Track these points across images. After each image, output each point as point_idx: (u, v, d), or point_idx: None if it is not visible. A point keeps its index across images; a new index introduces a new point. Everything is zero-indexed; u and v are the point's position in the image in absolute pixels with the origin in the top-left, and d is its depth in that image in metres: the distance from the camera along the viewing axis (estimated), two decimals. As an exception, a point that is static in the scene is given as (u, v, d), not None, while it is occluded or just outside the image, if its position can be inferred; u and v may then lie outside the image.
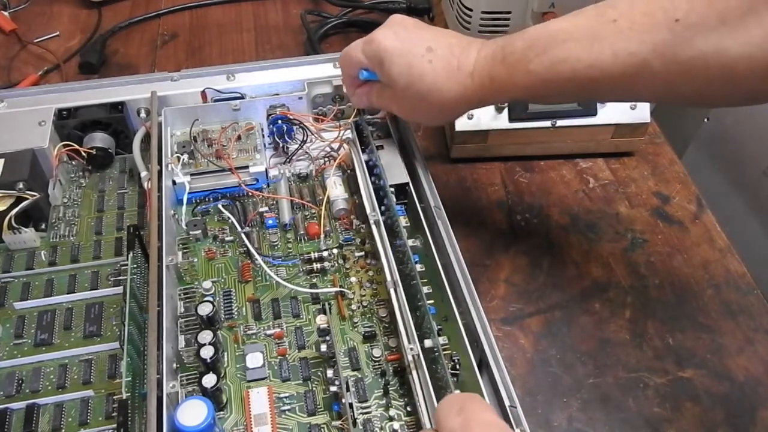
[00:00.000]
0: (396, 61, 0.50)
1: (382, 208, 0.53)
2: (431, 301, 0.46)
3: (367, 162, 0.57)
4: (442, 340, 0.45)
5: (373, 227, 0.53)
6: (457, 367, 0.46)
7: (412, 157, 0.59)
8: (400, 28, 0.52)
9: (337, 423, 0.46)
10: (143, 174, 0.60)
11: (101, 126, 0.63)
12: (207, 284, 0.53)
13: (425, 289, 0.46)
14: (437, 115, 0.53)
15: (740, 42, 0.39)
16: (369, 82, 0.55)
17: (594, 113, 0.67)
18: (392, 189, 0.54)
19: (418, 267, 0.48)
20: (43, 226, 0.59)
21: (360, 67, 0.54)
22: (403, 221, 0.52)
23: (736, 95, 0.43)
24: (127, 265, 0.50)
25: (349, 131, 0.61)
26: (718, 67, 0.40)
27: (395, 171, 0.57)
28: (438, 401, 0.43)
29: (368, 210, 0.54)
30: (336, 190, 0.59)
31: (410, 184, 0.56)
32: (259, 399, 0.46)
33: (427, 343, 0.44)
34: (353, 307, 0.53)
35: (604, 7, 0.45)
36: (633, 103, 0.66)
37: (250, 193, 0.61)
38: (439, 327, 0.47)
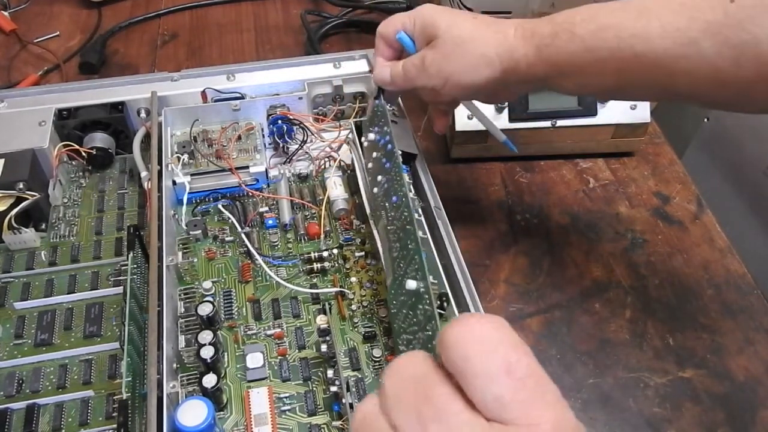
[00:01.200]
0: (441, 15, 0.51)
1: (385, 178, 0.52)
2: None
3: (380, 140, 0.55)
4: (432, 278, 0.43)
5: (373, 228, 0.53)
6: (444, 306, 0.45)
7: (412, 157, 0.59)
8: (439, 6, 0.52)
9: (338, 423, 0.46)
10: (143, 174, 0.59)
11: (101, 126, 0.63)
12: (207, 284, 0.53)
13: (420, 234, 0.44)
14: (473, 71, 0.49)
15: None
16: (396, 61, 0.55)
17: (594, 113, 0.67)
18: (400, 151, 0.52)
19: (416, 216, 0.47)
20: (43, 226, 0.59)
21: (400, 26, 0.53)
22: (407, 177, 0.50)
23: None
24: (127, 265, 0.50)
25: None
26: None
27: (405, 142, 0.56)
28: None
29: (368, 210, 0.54)
30: (336, 190, 0.59)
31: (418, 156, 0.57)
32: (260, 399, 0.46)
33: (410, 284, 0.42)
34: (353, 307, 0.53)
35: None
36: (634, 103, 0.66)
37: (250, 193, 0.61)
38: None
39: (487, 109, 0.66)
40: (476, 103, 0.60)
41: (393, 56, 0.55)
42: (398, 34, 0.53)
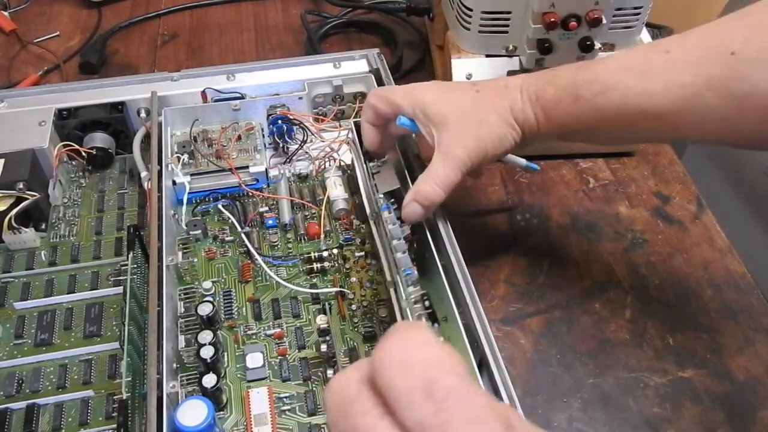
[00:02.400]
0: (442, 97, 0.49)
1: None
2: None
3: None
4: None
5: (373, 227, 0.53)
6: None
7: (413, 157, 0.59)
8: (434, 84, 0.51)
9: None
10: (143, 174, 0.59)
11: (101, 126, 0.63)
12: (207, 284, 0.53)
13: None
14: (502, 140, 0.48)
15: None
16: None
17: (594, 113, 0.67)
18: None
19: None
20: (43, 226, 0.59)
21: (398, 111, 0.51)
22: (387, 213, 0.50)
23: None
24: (127, 265, 0.50)
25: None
26: None
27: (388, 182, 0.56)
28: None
29: (368, 210, 0.54)
30: (336, 190, 0.59)
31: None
32: (259, 399, 0.46)
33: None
34: (353, 307, 0.53)
35: (657, 42, 0.45)
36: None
37: (250, 193, 0.61)
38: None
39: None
40: None
41: (383, 123, 0.54)
42: (399, 122, 0.51)
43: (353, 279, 0.54)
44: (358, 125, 0.60)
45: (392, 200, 0.52)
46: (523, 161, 0.59)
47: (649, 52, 0.45)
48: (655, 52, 0.44)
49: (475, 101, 0.49)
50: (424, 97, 0.49)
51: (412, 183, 0.50)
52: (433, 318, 0.45)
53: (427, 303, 0.44)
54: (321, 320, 0.50)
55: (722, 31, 0.42)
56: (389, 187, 0.55)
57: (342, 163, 0.63)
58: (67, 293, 0.54)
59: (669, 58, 0.43)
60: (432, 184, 0.48)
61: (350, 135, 0.61)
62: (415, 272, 0.44)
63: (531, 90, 0.48)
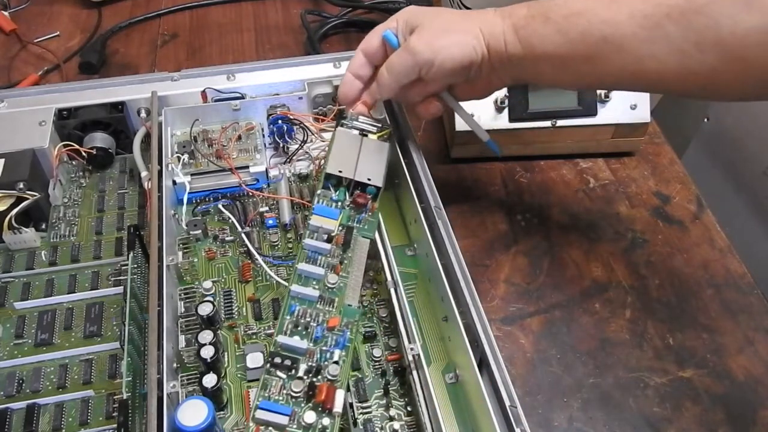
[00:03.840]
0: (424, 10, 0.53)
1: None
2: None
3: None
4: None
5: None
6: None
7: (412, 157, 0.59)
8: (426, 6, 0.54)
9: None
10: (143, 174, 0.60)
11: (101, 126, 0.63)
12: (207, 284, 0.53)
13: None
14: (460, 46, 0.50)
15: (757, 15, 0.39)
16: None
17: (594, 113, 0.67)
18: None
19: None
20: (44, 226, 0.59)
21: (388, 27, 0.54)
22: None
23: (748, 81, 0.42)
24: (127, 265, 0.50)
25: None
26: (730, 39, 0.39)
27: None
28: (438, 403, 0.43)
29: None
30: (336, 190, 0.59)
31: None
32: (260, 399, 0.46)
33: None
34: (353, 307, 0.53)
35: None
36: (634, 102, 0.66)
37: (251, 193, 0.61)
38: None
39: (488, 109, 0.66)
40: (469, 102, 0.59)
41: (367, 74, 0.55)
42: (384, 32, 0.53)
43: (353, 279, 0.54)
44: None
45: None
46: (486, 136, 0.58)
47: None
48: None
49: (450, 13, 0.52)
50: (411, 9, 0.53)
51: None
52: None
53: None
54: (321, 320, 0.50)
55: None
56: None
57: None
58: (68, 293, 0.54)
59: None
60: (382, 68, 0.53)
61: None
62: None
63: (506, 10, 0.50)
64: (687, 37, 0.41)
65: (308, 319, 0.47)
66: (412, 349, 0.46)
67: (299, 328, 0.47)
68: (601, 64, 0.46)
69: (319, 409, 0.43)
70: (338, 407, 0.43)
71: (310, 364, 0.45)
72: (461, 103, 0.57)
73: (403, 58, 0.51)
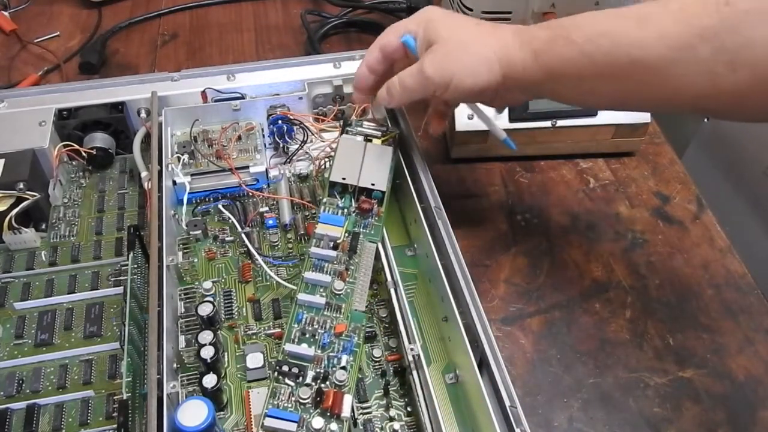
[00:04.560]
0: (444, 19, 0.51)
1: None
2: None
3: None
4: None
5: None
6: None
7: (412, 157, 0.59)
8: (442, 9, 0.53)
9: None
10: (143, 174, 0.60)
11: (101, 126, 0.63)
12: (207, 284, 0.53)
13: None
14: (474, 73, 0.49)
15: None
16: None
17: (594, 113, 0.67)
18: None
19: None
20: (44, 227, 0.59)
21: (404, 30, 0.53)
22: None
23: None
24: (127, 265, 0.50)
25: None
26: (764, 58, 0.38)
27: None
28: (438, 403, 0.43)
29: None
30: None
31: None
32: (260, 399, 0.46)
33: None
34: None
35: None
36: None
37: (251, 193, 0.61)
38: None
39: (489, 109, 0.66)
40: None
41: (382, 69, 0.55)
42: (404, 37, 0.53)
43: (353, 279, 0.54)
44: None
45: None
46: (503, 135, 0.58)
47: (645, 4, 0.44)
48: (652, 3, 0.43)
49: (468, 31, 0.50)
50: (431, 16, 0.52)
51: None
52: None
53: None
54: (321, 320, 0.50)
55: None
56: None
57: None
58: (68, 293, 0.54)
59: (665, 9, 0.42)
60: (394, 78, 0.52)
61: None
62: None
63: (526, 32, 0.48)
64: (719, 57, 0.40)
65: (315, 327, 0.47)
66: (412, 349, 0.46)
67: (306, 336, 0.47)
68: (626, 85, 0.45)
69: (327, 414, 0.43)
70: (346, 412, 0.43)
71: (317, 370, 0.45)
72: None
73: (416, 79, 0.50)
